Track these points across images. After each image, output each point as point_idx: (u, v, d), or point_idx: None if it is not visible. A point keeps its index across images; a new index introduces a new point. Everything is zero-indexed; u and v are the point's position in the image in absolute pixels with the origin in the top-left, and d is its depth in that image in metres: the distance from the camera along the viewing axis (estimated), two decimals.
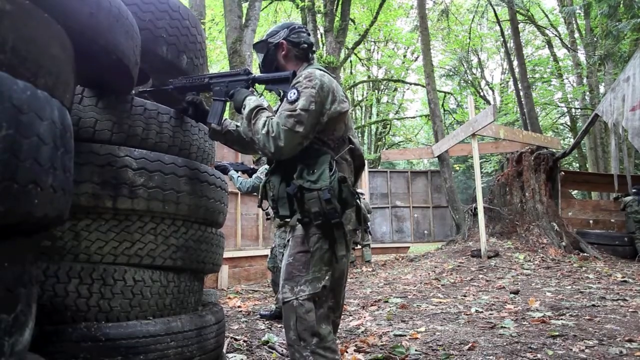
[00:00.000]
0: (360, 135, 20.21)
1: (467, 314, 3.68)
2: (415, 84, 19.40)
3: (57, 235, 1.47)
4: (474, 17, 18.43)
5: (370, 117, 22.04)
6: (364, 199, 6.98)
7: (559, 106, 19.69)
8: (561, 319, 3.34)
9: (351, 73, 20.14)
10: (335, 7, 12.00)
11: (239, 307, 4.31)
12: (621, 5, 10.49)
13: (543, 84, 19.91)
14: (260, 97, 1.72)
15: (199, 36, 1.94)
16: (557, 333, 2.90)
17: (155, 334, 1.50)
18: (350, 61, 19.03)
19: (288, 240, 1.61)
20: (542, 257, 7.07)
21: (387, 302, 4.45)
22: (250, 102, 1.59)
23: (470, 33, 18.62)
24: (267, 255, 4.09)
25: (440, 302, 4.31)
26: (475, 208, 7.83)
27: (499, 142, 9.68)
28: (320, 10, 12.46)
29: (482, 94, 21.39)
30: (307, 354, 1.44)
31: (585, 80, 16.33)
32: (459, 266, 6.80)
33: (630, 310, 3.67)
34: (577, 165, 19.18)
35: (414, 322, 3.48)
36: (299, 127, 1.44)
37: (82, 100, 1.60)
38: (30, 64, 0.81)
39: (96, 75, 1.49)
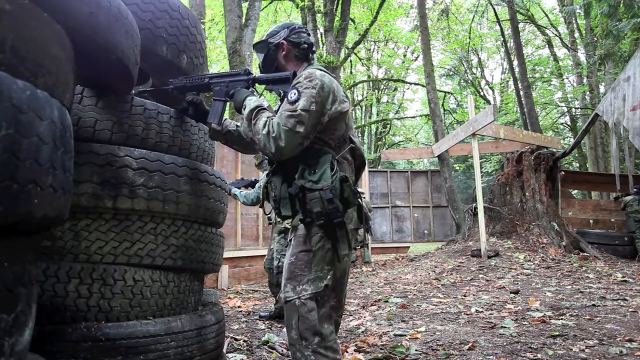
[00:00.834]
0: (360, 135, 20.17)
1: (467, 314, 3.68)
2: (415, 84, 19.36)
3: (57, 235, 1.47)
4: (474, 16, 18.42)
5: (370, 117, 21.99)
6: (364, 198, 6.97)
7: (559, 106, 19.67)
8: (561, 319, 3.34)
9: (351, 73, 20.10)
10: (335, 7, 11.98)
11: (239, 307, 4.32)
12: (621, 5, 10.49)
13: (543, 84, 19.87)
14: (260, 97, 1.72)
15: (198, 36, 1.94)
16: (557, 333, 2.90)
17: (155, 334, 1.50)
18: (350, 61, 19.00)
19: (290, 240, 1.61)
20: (542, 256, 7.07)
21: (387, 302, 4.45)
22: (251, 102, 1.59)
23: (470, 33, 18.59)
24: None
25: (441, 302, 4.31)
26: (475, 208, 7.82)
27: (499, 142, 9.68)
28: (320, 10, 12.44)
29: (482, 93, 21.34)
30: (309, 353, 1.44)
31: (585, 80, 16.32)
32: (459, 266, 6.80)
33: (630, 310, 3.67)
34: (577, 165, 19.14)
35: (414, 322, 3.48)
36: (299, 128, 1.44)
37: (82, 100, 1.60)
38: (30, 63, 0.81)
39: (96, 75, 1.49)
